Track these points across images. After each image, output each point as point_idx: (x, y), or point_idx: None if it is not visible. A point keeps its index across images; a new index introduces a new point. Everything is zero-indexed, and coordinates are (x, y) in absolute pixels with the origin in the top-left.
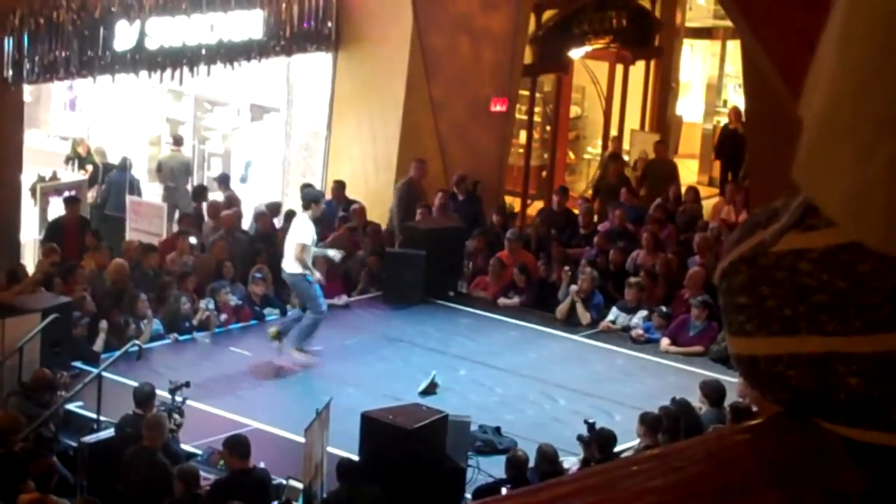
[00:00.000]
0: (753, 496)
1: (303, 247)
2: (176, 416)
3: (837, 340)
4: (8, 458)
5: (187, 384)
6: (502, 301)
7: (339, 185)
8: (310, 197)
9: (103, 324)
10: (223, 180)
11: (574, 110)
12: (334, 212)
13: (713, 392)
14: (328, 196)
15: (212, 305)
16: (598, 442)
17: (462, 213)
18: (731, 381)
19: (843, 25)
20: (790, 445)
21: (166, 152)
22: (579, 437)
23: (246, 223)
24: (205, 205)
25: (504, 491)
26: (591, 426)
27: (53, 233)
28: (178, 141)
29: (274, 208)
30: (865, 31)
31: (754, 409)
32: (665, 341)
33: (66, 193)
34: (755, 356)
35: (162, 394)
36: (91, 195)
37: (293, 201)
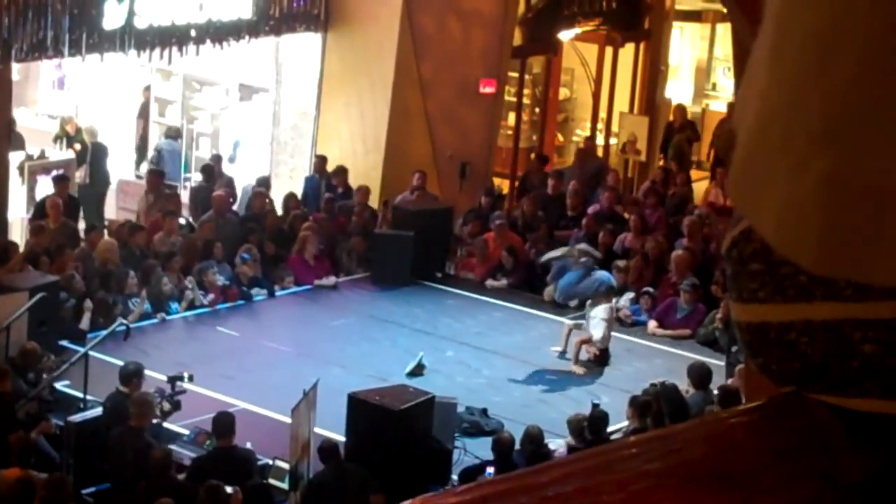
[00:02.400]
0: (751, 480)
1: None
2: (166, 403)
3: (853, 306)
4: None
5: (191, 378)
6: (490, 283)
7: (321, 160)
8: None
9: (88, 303)
10: (216, 161)
11: (563, 92)
12: (318, 186)
13: (698, 375)
14: (311, 171)
15: (192, 286)
16: (590, 423)
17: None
18: (718, 363)
19: (773, 40)
20: (789, 429)
21: (162, 140)
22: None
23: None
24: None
25: (490, 470)
26: (595, 406)
27: (42, 212)
28: (177, 134)
29: (264, 183)
30: (796, 45)
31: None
32: (652, 324)
33: (55, 172)
34: (767, 323)
35: (158, 376)
36: (79, 174)
37: (282, 182)
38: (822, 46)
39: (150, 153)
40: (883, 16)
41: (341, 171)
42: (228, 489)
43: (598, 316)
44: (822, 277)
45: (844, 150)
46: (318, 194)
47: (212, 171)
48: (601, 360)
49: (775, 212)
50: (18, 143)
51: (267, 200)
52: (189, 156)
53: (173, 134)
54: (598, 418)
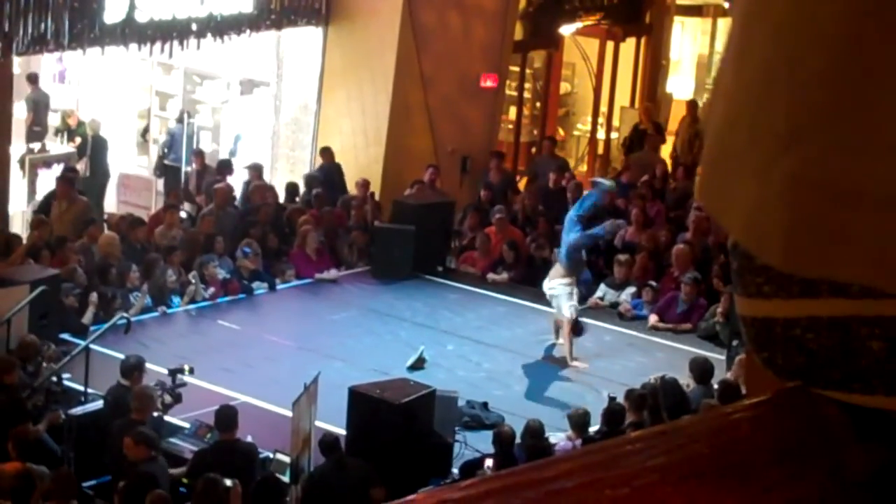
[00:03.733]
0: (756, 476)
1: None
2: (167, 396)
3: (860, 303)
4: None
5: (191, 370)
6: (491, 276)
7: (326, 151)
8: None
9: (93, 296)
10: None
11: (564, 87)
12: (329, 176)
13: (700, 369)
14: (318, 162)
15: (196, 280)
16: (606, 416)
17: None
18: (719, 358)
19: (739, 40)
20: (794, 424)
21: (174, 124)
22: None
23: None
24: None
25: (489, 463)
26: (612, 400)
27: (47, 206)
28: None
29: (257, 168)
30: (762, 45)
31: (744, 388)
32: (653, 318)
33: (56, 166)
34: (772, 318)
35: (158, 369)
36: (80, 167)
37: (281, 175)
38: (787, 46)
39: (163, 137)
40: (849, 15)
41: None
42: (228, 482)
43: (558, 292)
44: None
45: (810, 150)
46: (333, 184)
47: (229, 166)
48: (576, 332)
49: (743, 212)
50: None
51: (267, 193)
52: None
53: (179, 117)
54: (616, 411)
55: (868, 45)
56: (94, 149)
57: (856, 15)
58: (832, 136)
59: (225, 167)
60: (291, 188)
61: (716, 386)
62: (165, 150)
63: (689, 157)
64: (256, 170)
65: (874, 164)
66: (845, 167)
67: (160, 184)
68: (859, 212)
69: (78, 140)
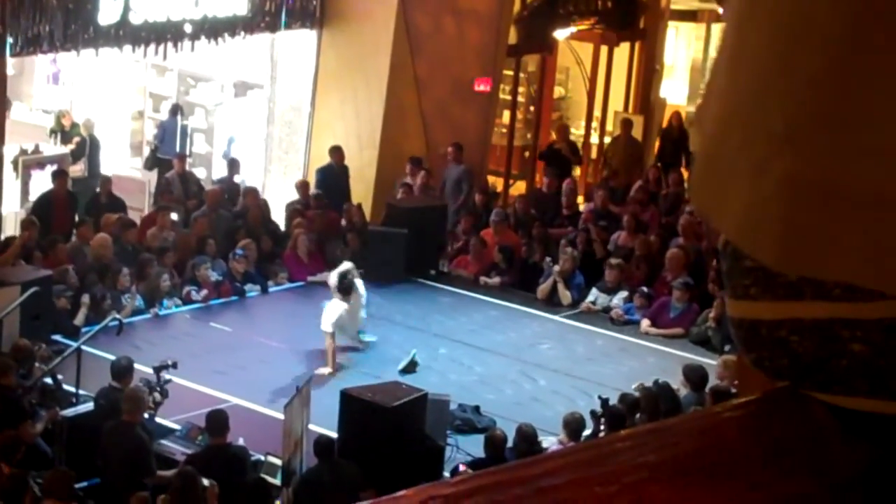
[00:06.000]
0: (745, 473)
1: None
2: (156, 394)
3: (842, 306)
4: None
5: (174, 365)
6: (484, 279)
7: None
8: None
9: (85, 298)
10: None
11: (558, 91)
12: (336, 175)
13: (695, 376)
14: (328, 160)
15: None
16: (609, 420)
17: None
18: (711, 363)
19: (733, 41)
20: (783, 424)
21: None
22: (592, 413)
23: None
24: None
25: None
26: (604, 402)
27: (41, 207)
28: (177, 110)
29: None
30: (756, 45)
31: (733, 389)
32: (645, 322)
33: (49, 167)
34: (758, 320)
35: (145, 370)
36: (77, 168)
37: (275, 178)
38: (782, 46)
39: (154, 130)
40: (845, 14)
41: (336, 150)
42: (206, 481)
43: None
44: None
45: (805, 150)
46: (339, 183)
47: (236, 165)
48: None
49: (737, 212)
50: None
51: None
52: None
53: (172, 110)
54: (616, 416)
55: (864, 46)
56: (88, 149)
57: (852, 16)
58: (827, 137)
59: (233, 166)
60: (303, 186)
61: (707, 392)
62: (158, 144)
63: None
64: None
65: (869, 166)
66: (840, 168)
67: (153, 185)
68: (854, 213)
69: (76, 140)
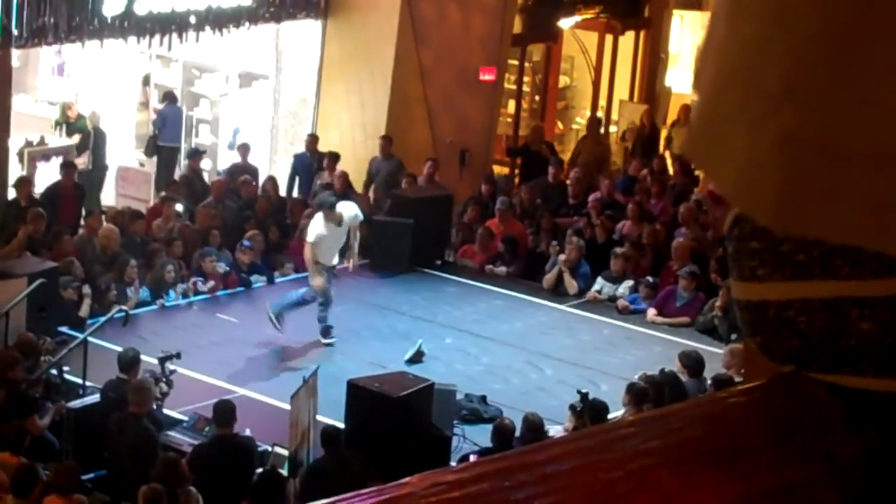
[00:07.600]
0: (750, 458)
1: (309, 245)
2: (163, 384)
3: (851, 284)
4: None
5: (178, 355)
6: (490, 269)
7: (313, 139)
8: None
9: (86, 288)
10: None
11: (563, 80)
12: (309, 163)
13: (692, 362)
14: (302, 148)
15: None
16: (591, 413)
17: None
18: (717, 351)
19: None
20: (787, 408)
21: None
22: (571, 407)
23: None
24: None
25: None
26: (584, 396)
27: (49, 198)
28: (174, 98)
29: (195, 155)
30: (755, 3)
31: (737, 378)
32: (651, 312)
33: (55, 158)
34: (765, 301)
35: (150, 360)
36: (82, 160)
37: (281, 168)
38: (782, 5)
39: (152, 117)
40: None
41: (312, 139)
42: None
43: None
44: (818, 256)
45: (803, 109)
46: (310, 172)
47: (247, 149)
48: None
49: (734, 169)
50: None
51: (254, 183)
52: (189, 143)
53: (171, 98)
54: (598, 408)
55: (864, 5)
56: (94, 141)
57: None
58: (825, 94)
59: (245, 150)
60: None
61: (709, 381)
62: (157, 131)
63: None
64: (194, 156)
65: (867, 124)
66: (838, 126)
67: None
68: (851, 170)
69: (78, 135)
